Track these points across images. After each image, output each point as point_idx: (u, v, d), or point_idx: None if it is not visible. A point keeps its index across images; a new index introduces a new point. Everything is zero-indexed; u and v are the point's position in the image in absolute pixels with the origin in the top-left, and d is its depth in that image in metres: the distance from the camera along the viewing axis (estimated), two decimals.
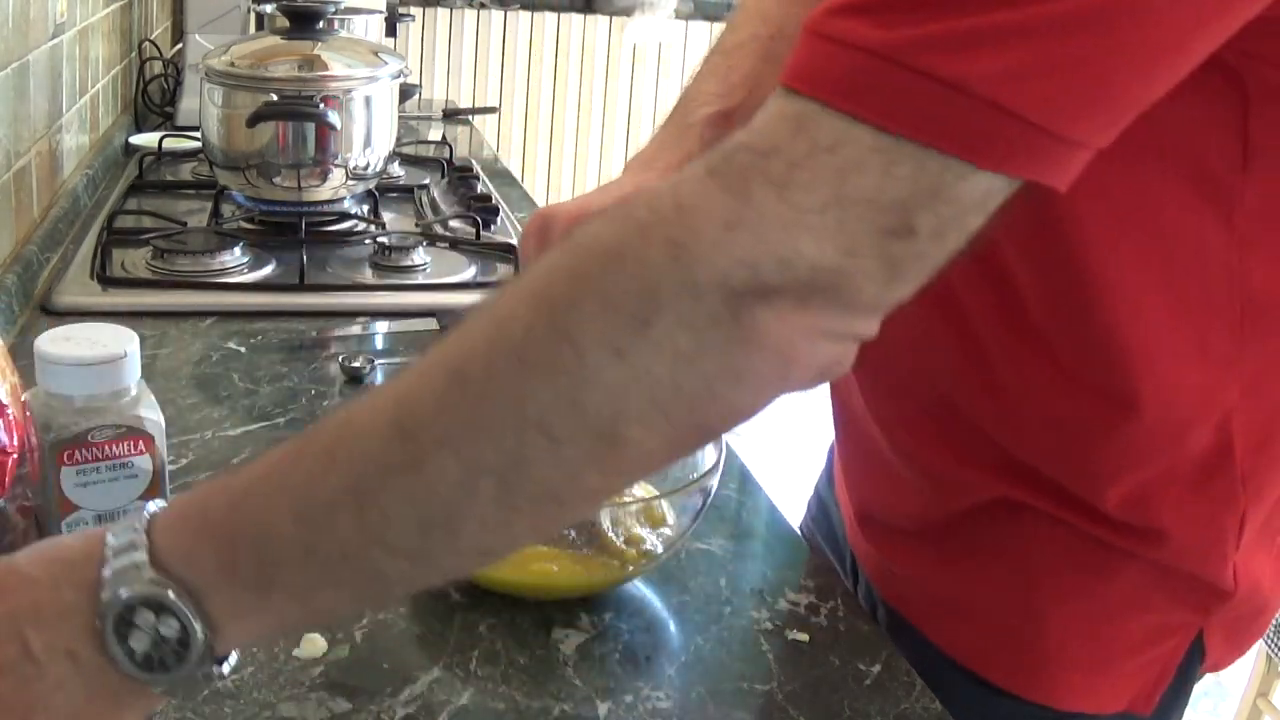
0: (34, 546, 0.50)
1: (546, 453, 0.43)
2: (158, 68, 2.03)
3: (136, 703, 0.48)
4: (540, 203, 3.66)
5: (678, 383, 0.43)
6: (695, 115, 0.76)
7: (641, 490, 0.79)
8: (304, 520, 0.46)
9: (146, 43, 1.99)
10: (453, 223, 1.44)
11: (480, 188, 1.64)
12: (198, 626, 0.46)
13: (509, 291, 0.45)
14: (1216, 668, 0.76)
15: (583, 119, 3.61)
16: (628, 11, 3.52)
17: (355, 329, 1.14)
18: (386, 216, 1.45)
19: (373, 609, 0.64)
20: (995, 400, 0.69)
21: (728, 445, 0.78)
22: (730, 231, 0.42)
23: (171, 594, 0.46)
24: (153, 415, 0.73)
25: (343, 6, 1.77)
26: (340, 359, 1.04)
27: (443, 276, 1.27)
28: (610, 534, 0.71)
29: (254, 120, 1.32)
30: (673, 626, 0.71)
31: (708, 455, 0.74)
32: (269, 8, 1.82)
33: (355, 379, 1.02)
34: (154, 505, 0.49)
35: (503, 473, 0.44)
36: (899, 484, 0.78)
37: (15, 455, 0.75)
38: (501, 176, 1.82)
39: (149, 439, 0.73)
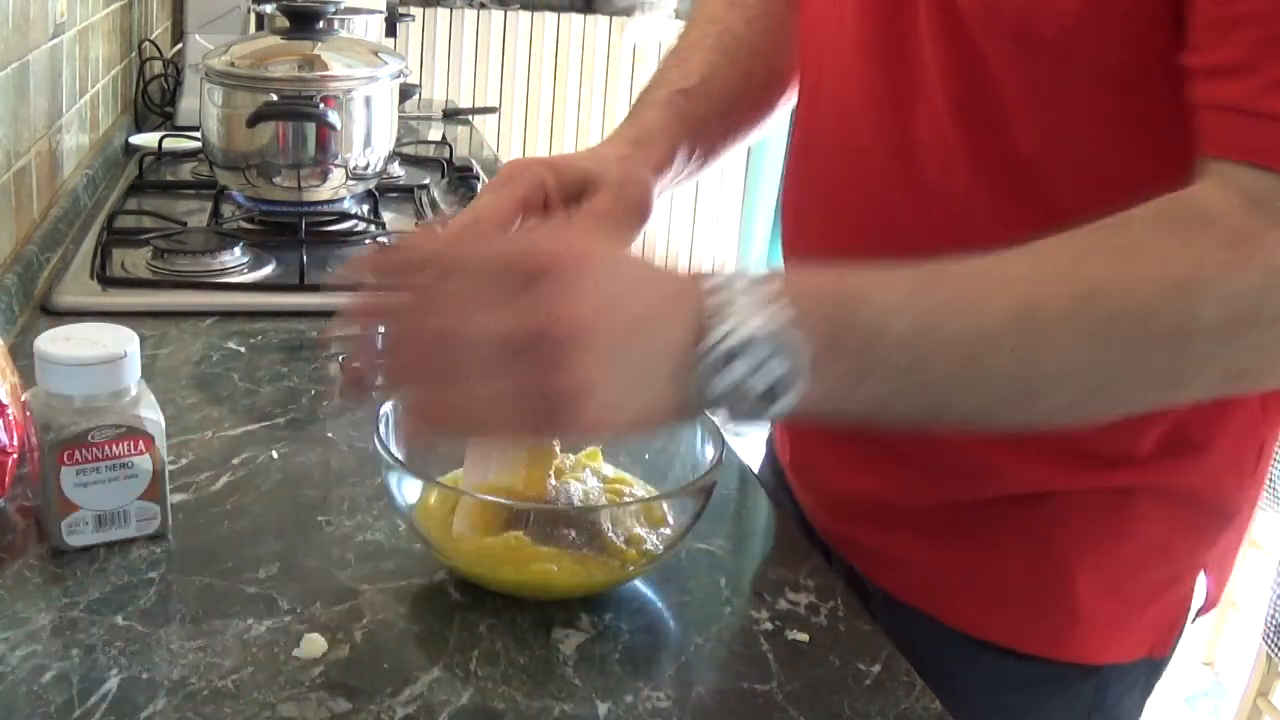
0: (630, 269, 0.53)
1: (1124, 386, 0.55)
2: (158, 68, 2.03)
3: (681, 418, 0.56)
4: None
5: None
6: (658, 94, 0.85)
7: (641, 490, 0.79)
8: (912, 341, 0.52)
9: (146, 43, 1.99)
10: None
11: (480, 188, 1.64)
12: (798, 383, 0.51)
13: (1121, 254, 0.54)
14: (1211, 606, 0.83)
15: (583, 119, 3.61)
16: (628, 11, 3.52)
17: (355, 329, 1.14)
18: (386, 216, 1.45)
19: (919, 433, 0.67)
20: None
21: (727, 445, 0.78)
22: None
23: (791, 345, 0.50)
24: (153, 415, 0.73)
25: (343, 6, 1.77)
26: (340, 359, 1.03)
27: None
28: (610, 534, 0.71)
29: (254, 120, 1.32)
30: (673, 626, 0.71)
31: (708, 455, 0.74)
32: (269, 8, 1.82)
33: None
34: (738, 269, 0.53)
35: (1098, 379, 0.54)
36: (911, 477, 0.80)
37: (15, 455, 0.75)
38: None
39: (149, 439, 0.73)
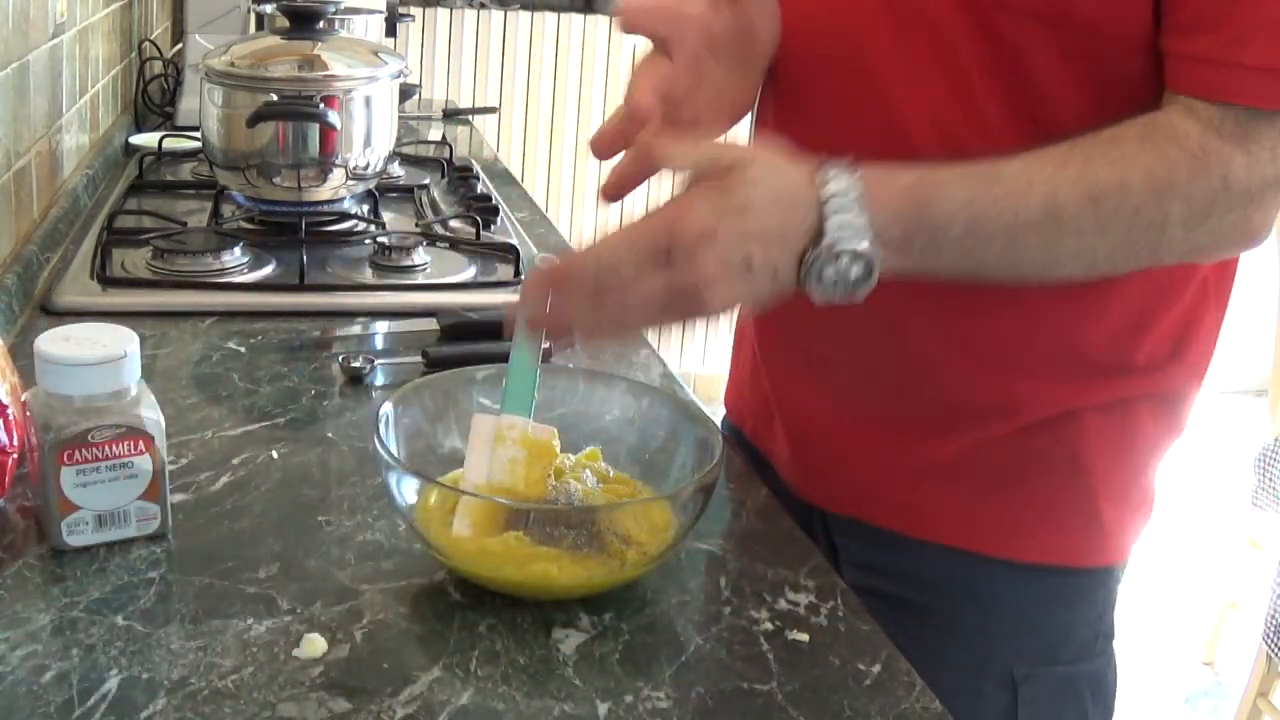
0: (760, 179, 0.68)
1: (1117, 259, 0.75)
2: (158, 68, 2.03)
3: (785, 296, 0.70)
4: (540, 203, 3.66)
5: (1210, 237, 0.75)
6: None
7: (641, 490, 0.79)
8: (972, 233, 0.71)
9: (146, 43, 1.99)
10: (453, 223, 1.44)
11: (480, 188, 1.64)
12: (876, 272, 0.69)
13: (1117, 164, 0.71)
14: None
15: (583, 119, 3.61)
16: None
17: (355, 329, 1.14)
18: (386, 216, 1.45)
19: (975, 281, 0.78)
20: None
21: (726, 445, 0.78)
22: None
23: (877, 255, 0.68)
24: (153, 415, 0.73)
25: (343, 6, 1.77)
26: (340, 359, 1.04)
27: (443, 276, 1.27)
28: (610, 534, 0.71)
29: (254, 120, 1.32)
30: (673, 626, 0.71)
31: (708, 455, 0.74)
32: (269, 8, 1.82)
33: (355, 379, 1.02)
34: (844, 172, 0.70)
35: (1101, 254, 0.74)
36: (941, 421, 0.86)
37: (15, 455, 0.75)
38: (501, 176, 1.83)
39: (149, 439, 0.73)
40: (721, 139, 0.80)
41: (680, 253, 0.66)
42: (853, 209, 0.68)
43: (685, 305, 0.67)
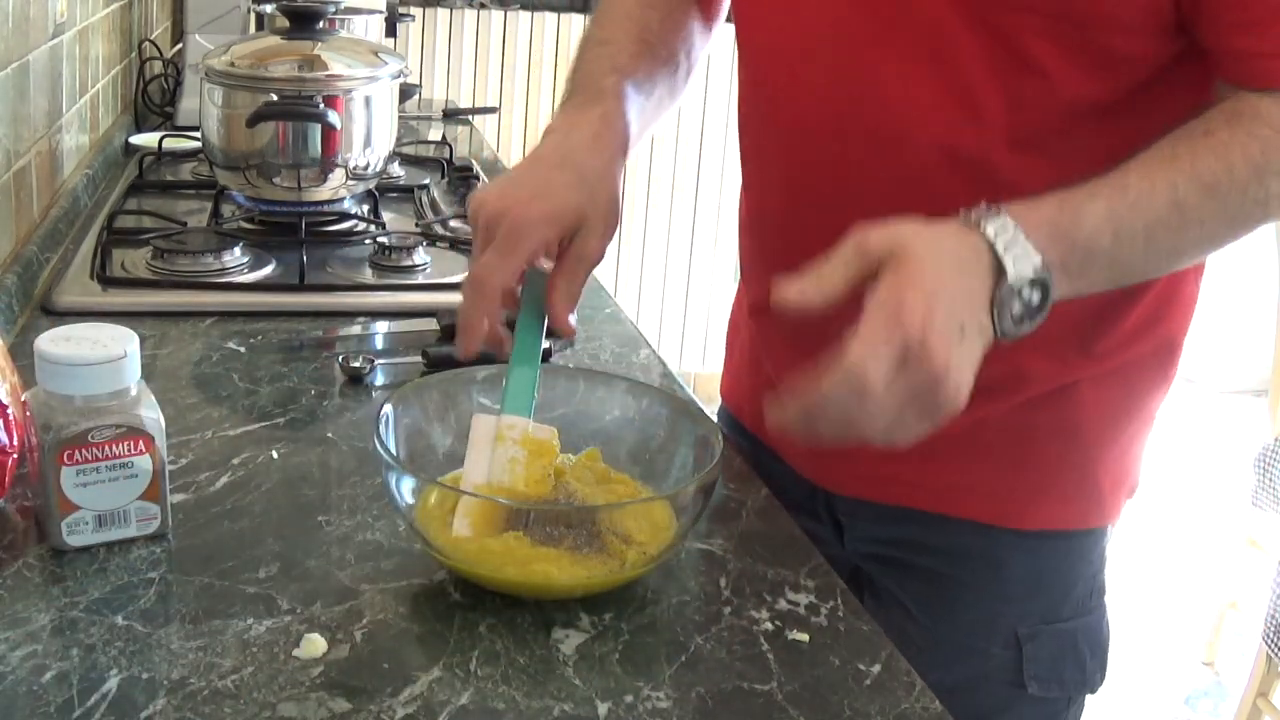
0: (928, 249, 0.68)
1: (1230, 238, 0.78)
2: (158, 68, 2.03)
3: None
4: None
5: None
6: (604, 82, 0.90)
7: (641, 490, 0.79)
8: (1118, 242, 0.74)
9: (146, 43, 1.99)
10: (453, 223, 1.44)
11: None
12: (1050, 300, 0.71)
13: (1220, 150, 0.75)
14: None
15: None
16: None
17: (355, 329, 1.14)
18: (386, 216, 1.45)
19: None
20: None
21: (726, 445, 0.78)
22: None
23: (1050, 278, 0.70)
24: (153, 415, 0.73)
25: (343, 6, 1.77)
26: (340, 359, 1.04)
27: (443, 276, 1.27)
28: (610, 534, 0.71)
29: (254, 120, 1.32)
30: (673, 626, 0.71)
31: (711, 454, 0.74)
32: (269, 8, 1.82)
33: (355, 379, 1.02)
34: (993, 214, 0.71)
35: (1220, 236, 0.78)
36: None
37: (15, 455, 0.75)
38: None
39: (149, 439, 0.73)
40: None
41: (914, 349, 0.65)
42: (1018, 241, 0.70)
43: (930, 398, 0.67)
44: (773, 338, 0.98)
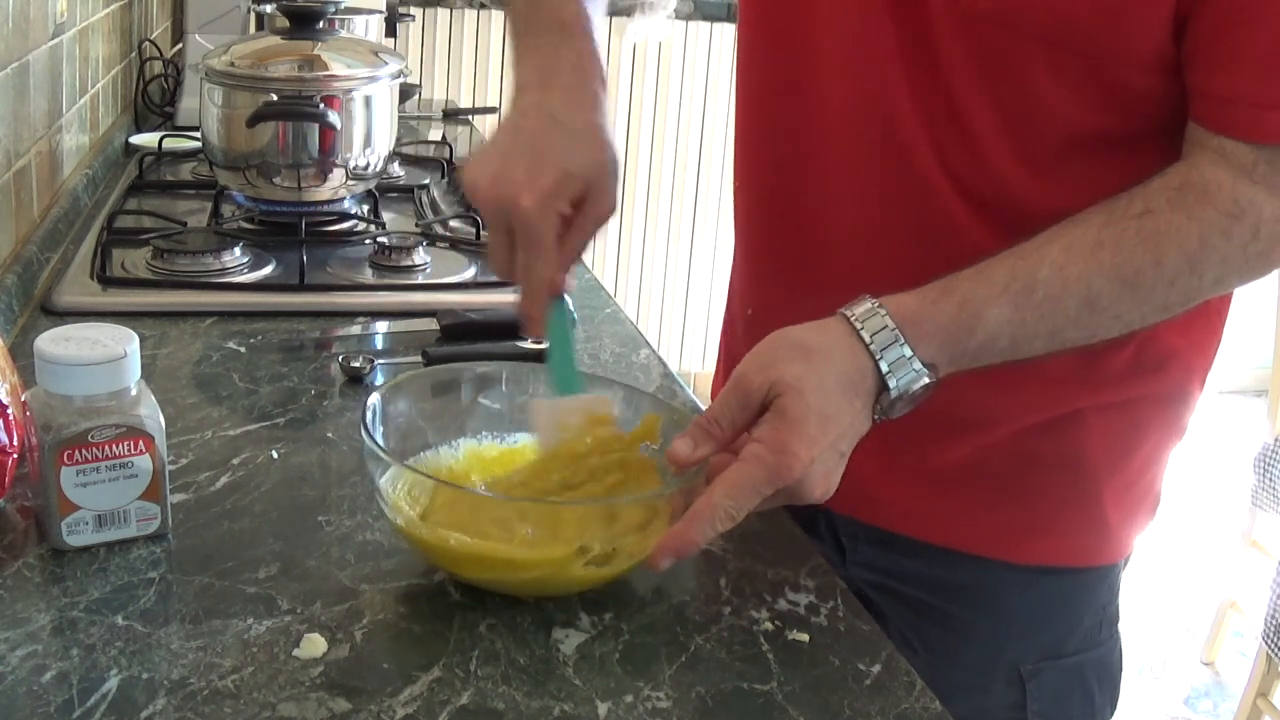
0: (813, 384, 0.69)
1: (1152, 320, 0.77)
2: (158, 68, 2.03)
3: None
4: None
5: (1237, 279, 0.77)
6: (564, 14, 0.83)
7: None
8: (1016, 344, 0.74)
9: (146, 43, 1.99)
10: (453, 223, 1.44)
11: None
12: (932, 386, 0.72)
13: (1150, 240, 0.73)
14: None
15: None
16: (628, 11, 3.52)
17: (355, 329, 1.14)
18: (386, 216, 1.45)
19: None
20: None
21: None
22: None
23: (935, 374, 0.72)
24: (153, 415, 0.73)
25: (343, 6, 1.77)
26: (340, 359, 1.04)
27: (443, 276, 1.27)
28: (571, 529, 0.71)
29: (254, 120, 1.32)
30: (673, 626, 0.71)
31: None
32: (269, 8, 1.82)
33: (355, 379, 1.02)
34: (874, 305, 0.72)
35: (1137, 322, 0.76)
36: (935, 427, 0.85)
37: (15, 455, 0.75)
38: None
39: (149, 439, 0.73)
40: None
41: (790, 489, 0.69)
42: (903, 359, 0.71)
43: (796, 501, 0.71)
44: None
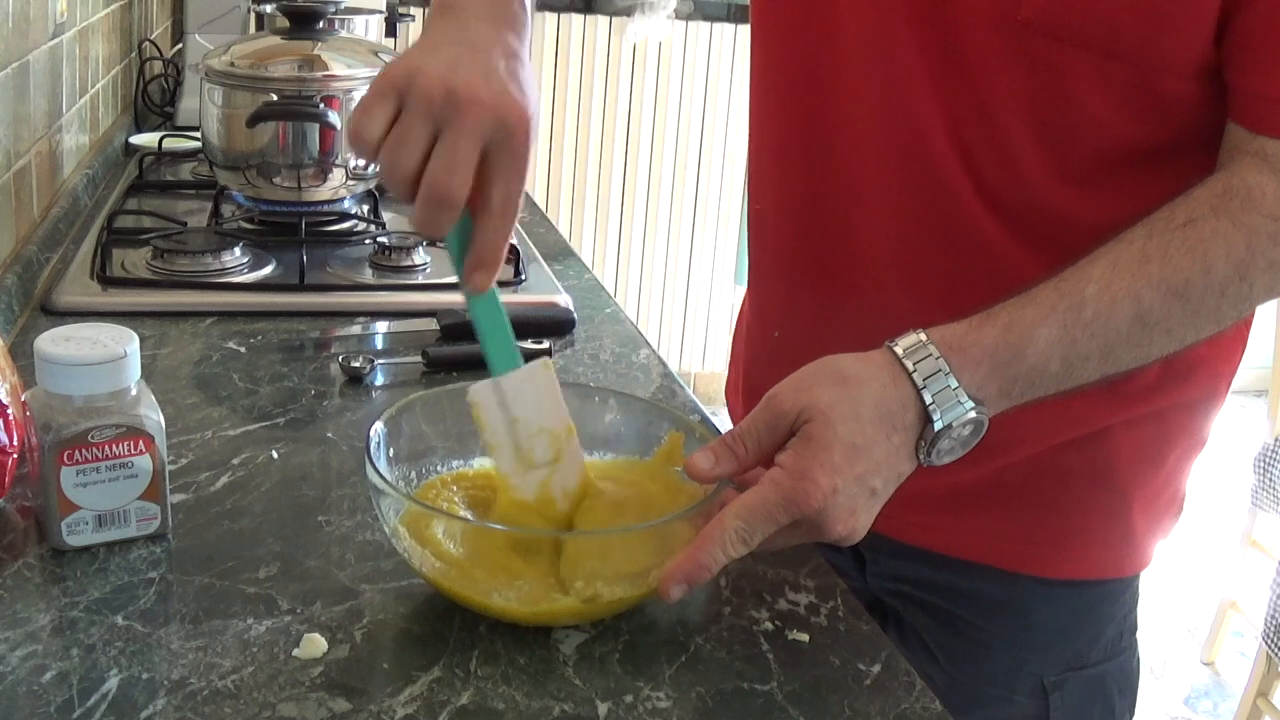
0: (847, 412, 0.66)
1: (1205, 333, 0.74)
2: (158, 68, 2.03)
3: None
4: (539, 202, 3.64)
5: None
6: None
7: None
8: (1068, 365, 0.71)
9: (146, 43, 1.99)
10: None
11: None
12: (986, 425, 0.69)
13: (1197, 249, 0.71)
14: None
15: (582, 119, 3.61)
16: (628, 11, 3.52)
17: (355, 329, 1.14)
18: (386, 216, 1.45)
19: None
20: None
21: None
22: None
23: (984, 412, 0.69)
24: (153, 415, 0.73)
25: (343, 6, 1.77)
26: (340, 359, 1.04)
27: (443, 276, 1.27)
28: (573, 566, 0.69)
29: (254, 120, 1.32)
30: (673, 626, 0.71)
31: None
32: (269, 8, 1.82)
33: (355, 379, 1.02)
34: (921, 336, 0.69)
35: (1191, 336, 0.73)
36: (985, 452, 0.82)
37: (15, 455, 0.75)
38: None
39: (149, 439, 0.73)
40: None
41: (809, 522, 0.66)
42: (948, 390, 0.68)
43: (819, 537, 0.68)
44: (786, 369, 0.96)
